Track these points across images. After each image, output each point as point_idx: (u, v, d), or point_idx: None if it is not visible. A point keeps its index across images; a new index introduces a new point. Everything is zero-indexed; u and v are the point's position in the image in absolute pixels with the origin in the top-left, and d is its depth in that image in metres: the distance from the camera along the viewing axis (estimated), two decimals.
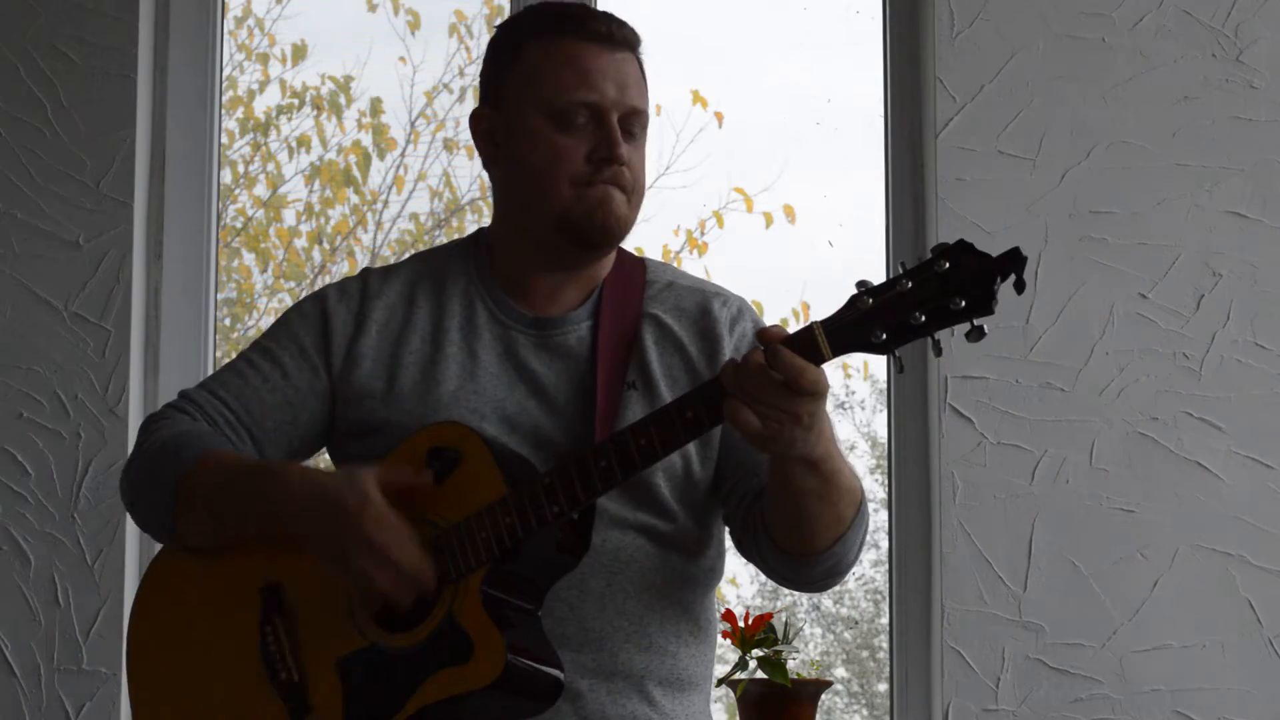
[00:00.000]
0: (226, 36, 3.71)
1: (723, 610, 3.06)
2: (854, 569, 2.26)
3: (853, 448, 3.93)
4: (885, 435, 3.49)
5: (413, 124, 3.94)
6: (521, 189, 2.26)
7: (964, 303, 1.89)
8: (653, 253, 3.87)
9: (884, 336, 1.91)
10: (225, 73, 3.71)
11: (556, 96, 2.21)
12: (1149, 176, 3.34)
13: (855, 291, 1.93)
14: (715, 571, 2.30)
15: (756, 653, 3.04)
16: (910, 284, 1.90)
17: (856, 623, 4.04)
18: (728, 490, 2.24)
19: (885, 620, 3.58)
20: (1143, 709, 3.21)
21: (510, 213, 2.30)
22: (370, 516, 2.05)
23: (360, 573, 2.05)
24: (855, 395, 3.95)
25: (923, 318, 1.90)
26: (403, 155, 3.98)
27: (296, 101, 4.04)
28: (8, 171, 3.45)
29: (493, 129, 2.28)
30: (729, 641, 3.05)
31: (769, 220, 3.76)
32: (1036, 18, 3.39)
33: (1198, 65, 3.37)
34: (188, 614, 2.23)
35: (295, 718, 2.12)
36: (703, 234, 3.88)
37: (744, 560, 2.27)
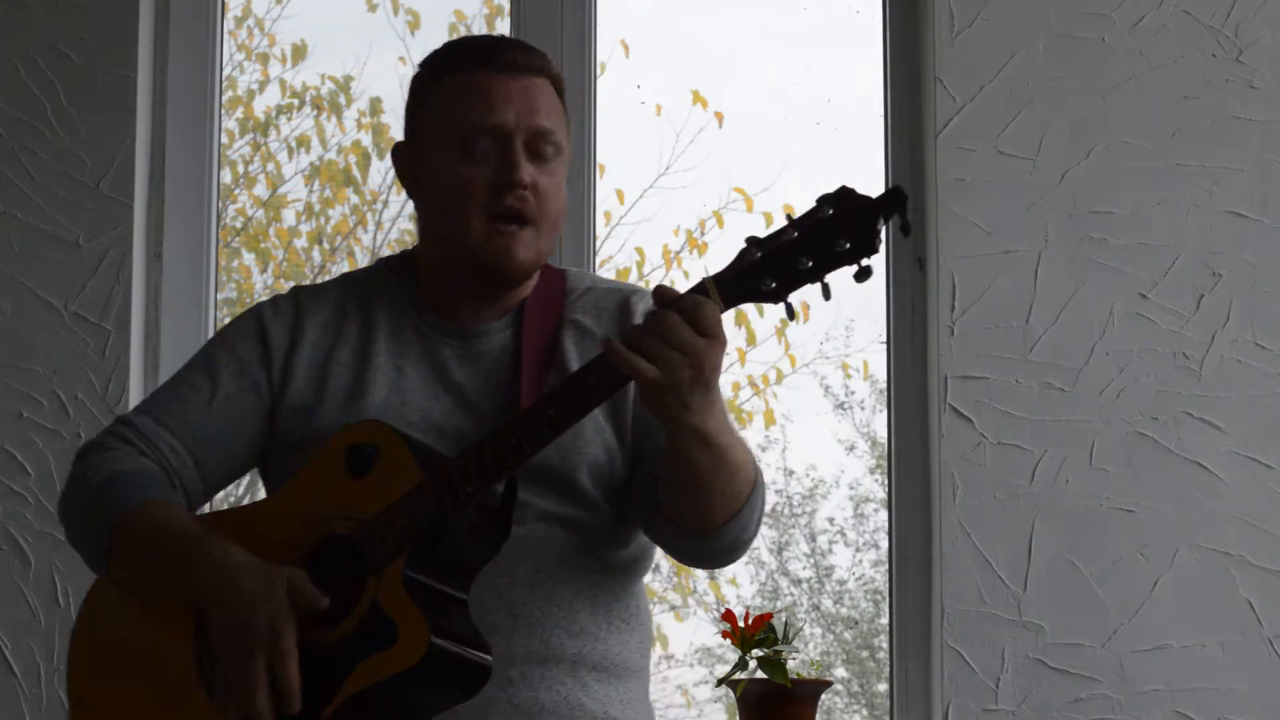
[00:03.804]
0: (226, 36, 3.71)
1: (723, 610, 3.06)
2: (753, 546, 2.30)
3: (853, 448, 3.93)
4: (885, 435, 3.50)
5: None
6: (437, 222, 2.32)
7: (848, 244, 1.95)
8: (653, 253, 3.88)
9: (774, 285, 1.98)
10: (225, 73, 3.71)
11: (459, 126, 2.26)
12: (1149, 176, 3.34)
13: (744, 245, 1.99)
14: (640, 562, 2.34)
15: (756, 653, 3.04)
16: (796, 233, 1.97)
17: (856, 623, 4.04)
18: (637, 474, 2.28)
19: (885, 620, 3.58)
20: (1143, 709, 3.21)
21: (431, 243, 2.35)
22: (270, 624, 2.08)
23: (239, 670, 2.07)
24: (855, 395, 3.95)
25: (810, 263, 1.96)
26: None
27: (296, 101, 4.05)
28: (8, 171, 3.45)
29: (411, 164, 2.34)
30: (729, 641, 3.05)
31: (769, 220, 3.76)
32: (1036, 18, 3.39)
33: (1198, 65, 3.37)
34: (125, 633, 2.26)
35: None
36: (703, 234, 3.89)
37: (661, 548, 2.31)
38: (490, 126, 2.25)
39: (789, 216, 1.98)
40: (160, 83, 3.55)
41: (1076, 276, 3.32)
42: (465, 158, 2.25)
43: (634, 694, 2.29)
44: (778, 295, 1.99)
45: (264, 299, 2.41)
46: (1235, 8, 3.38)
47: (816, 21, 3.73)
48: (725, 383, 3.86)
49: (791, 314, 2.00)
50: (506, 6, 3.64)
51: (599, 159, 3.55)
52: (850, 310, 3.73)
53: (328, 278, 3.91)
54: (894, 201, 1.95)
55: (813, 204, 1.97)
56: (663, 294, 2.01)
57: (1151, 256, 3.33)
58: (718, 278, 2.00)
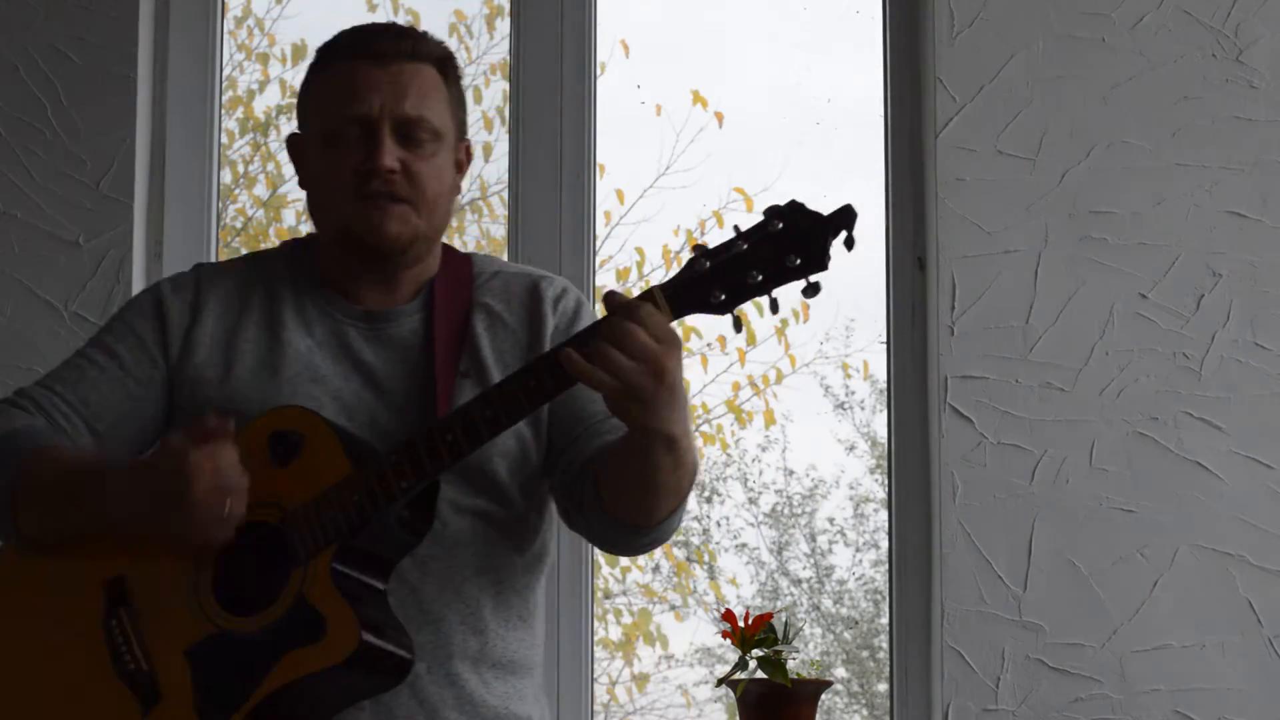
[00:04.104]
0: (226, 36, 3.71)
1: (723, 610, 3.06)
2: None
3: (853, 448, 3.93)
4: (885, 435, 3.50)
5: None
6: (316, 208, 2.35)
7: (799, 260, 1.96)
8: (653, 253, 3.87)
9: (723, 296, 1.99)
10: (225, 73, 3.71)
11: (330, 117, 2.30)
12: (1149, 176, 3.34)
13: (692, 255, 2.00)
14: (543, 557, 2.36)
15: (756, 653, 3.03)
16: (746, 245, 1.98)
17: (856, 623, 4.04)
18: (559, 462, 2.29)
19: (885, 620, 3.58)
20: (1143, 709, 3.21)
21: (318, 227, 2.37)
22: (190, 451, 2.08)
23: (190, 501, 2.07)
24: (855, 395, 3.95)
25: (760, 276, 1.98)
26: None
27: (296, 101, 4.04)
28: (8, 171, 3.45)
29: (298, 154, 2.39)
30: (729, 641, 3.05)
31: None
32: (1036, 18, 3.39)
33: (1198, 65, 3.37)
34: (31, 613, 2.25)
35: (145, 707, 2.14)
36: (703, 234, 3.88)
37: (579, 535, 2.32)
38: (356, 116, 2.27)
39: (736, 228, 1.99)
40: (160, 83, 3.55)
41: (1076, 276, 3.32)
42: (336, 147, 2.28)
43: (530, 689, 2.33)
44: (725, 307, 2.00)
45: (164, 278, 2.42)
46: (1235, 8, 3.38)
47: (816, 21, 3.73)
48: (725, 383, 3.87)
49: (739, 327, 2.02)
50: (506, 6, 3.64)
51: (599, 159, 3.56)
52: (850, 310, 3.73)
53: None
54: (844, 219, 1.97)
55: (761, 216, 1.98)
56: (613, 300, 2.02)
57: (1151, 256, 3.33)
58: (665, 287, 2.02)
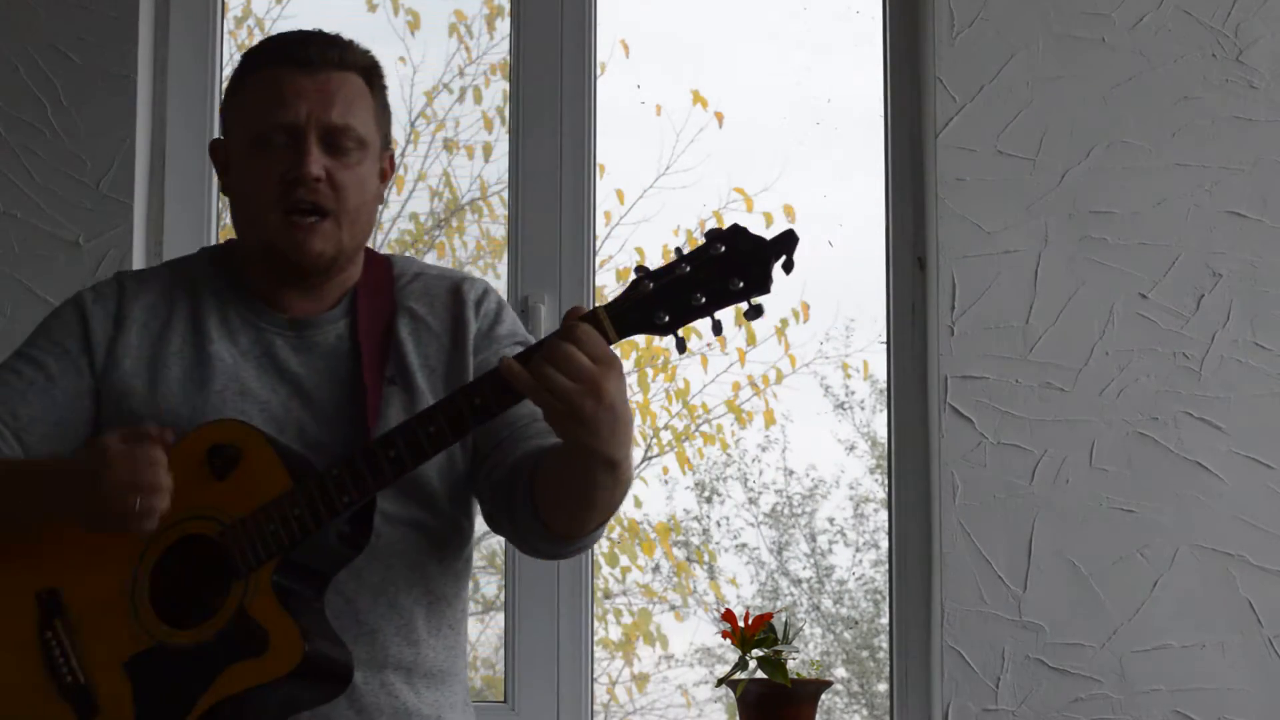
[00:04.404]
0: (226, 36, 3.71)
1: (723, 610, 3.06)
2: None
3: (853, 448, 3.93)
4: (885, 435, 3.49)
5: (412, 124, 3.94)
6: (240, 216, 2.34)
7: (742, 283, 1.99)
8: (653, 253, 3.87)
9: (667, 318, 2.01)
10: (225, 73, 3.71)
11: (255, 124, 2.29)
12: (1149, 176, 3.34)
13: (635, 276, 2.02)
14: (469, 564, 2.39)
15: (756, 653, 3.03)
16: (688, 268, 2.00)
17: (856, 623, 4.04)
18: (484, 465, 2.30)
19: (885, 620, 3.58)
20: (1143, 709, 3.21)
21: (241, 236, 2.37)
22: (111, 443, 2.10)
23: (104, 490, 2.08)
24: (855, 395, 3.95)
25: (703, 299, 2.00)
26: (402, 155, 3.98)
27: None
28: (8, 171, 3.45)
29: (223, 159, 2.37)
30: (729, 641, 3.05)
31: (769, 220, 3.76)
32: (1036, 18, 3.39)
33: (1198, 65, 3.37)
34: None
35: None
36: (703, 234, 3.88)
37: (501, 534, 2.33)
38: (282, 123, 2.27)
39: (679, 251, 2.02)
40: (160, 83, 3.55)
41: (1076, 276, 3.32)
42: (261, 154, 2.28)
43: (459, 697, 2.35)
44: (669, 328, 2.02)
45: (85, 287, 2.42)
46: (1235, 8, 3.38)
47: (816, 21, 3.73)
48: (725, 382, 3.87)
49: (682, 348, 2.04)
50: (507, 7, 3.64)
51: (599, 159, 3.55)
52: (850, 310, 3.73)
53: None
54: (786, 243, 1.99)
55: (703, 240, 2.01)
56: (568, 318, 2.04)
57: (1151, 256, 3.33)
58: (609, 307, 2.04)
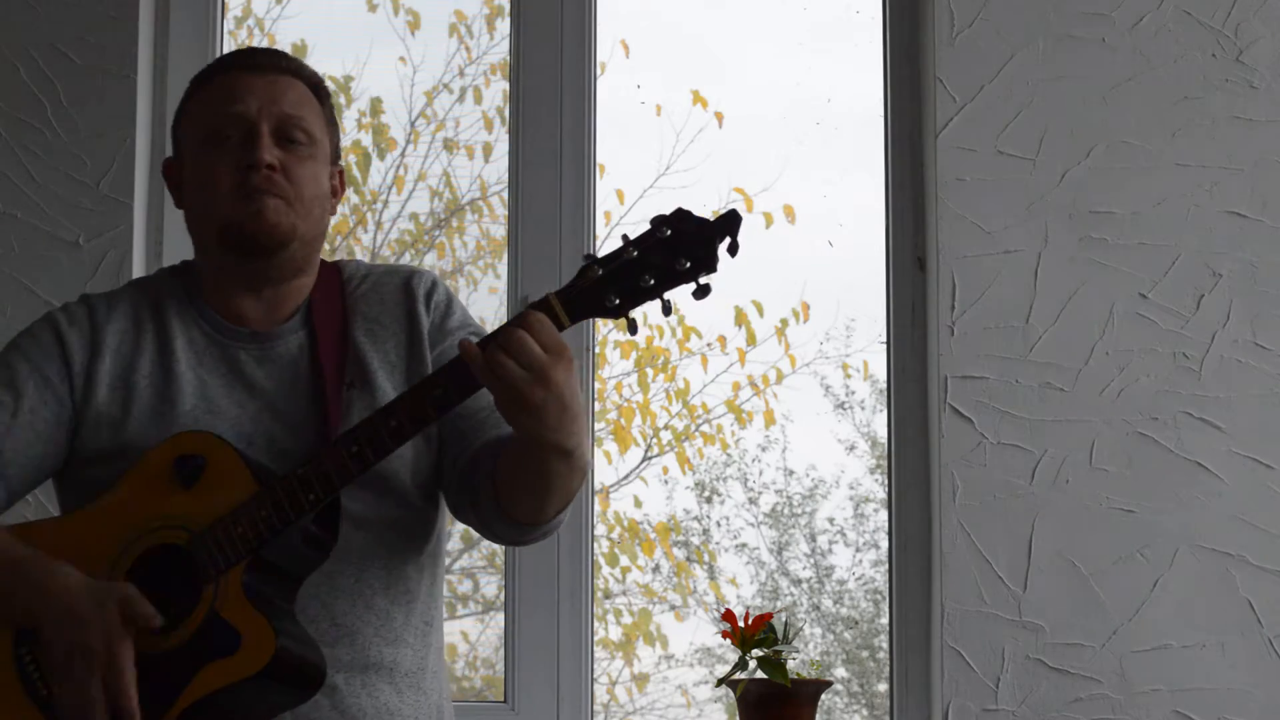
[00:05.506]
0: (226, 36, 3.71)
1: (723, 610, 3.06)
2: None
3: (853, 448, 3.93)
4: (885, 435, 3.49)
5: (412, 124, 3.94)
6: (196, 218, 2.36)
7: (689, 263, 2.02)
8: None
9: (617, 300, 2.05)
10: None
11: (207, 123, 2.33)
12: (1149, 176, 3.34)
13: (584, 263, 2.06)
14: (439, 557, 2.41)
15: (756, 653, 3.04)
16: (636, 252, 2.04)
17: (856, 623, 4.04)
18: (448, 455, 2.33)
19: (885, 620, 3.58)
20: (1143, 709, 3.21)
21: (199, 247, 2.39)
22: (105, 644, 2.08)
23: (76, 692, 2.07)
24: (855, 395, 3.95)
25: (652, 280, 2.04)
26: (402, 155, 3.98)
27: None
28: (8, 171, 3.45)
29: (177, 174, 2.40)
30: (729, 641, 3.05)
31: (769, 220, 3.76)
32: (1036, 18, 3.39)
33: (1198, 65, 3.37)
34: None
35: None
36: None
37: (481, 528, 2.35)
38: (234, 115, 2.31)
39: (625, 237, 2.06)
40: (160, 83, 3.55)
41: (1076, 276, 3.32)
42: (214, 150, 2.31)
43: (437, 697, 2.36)
44: (620, 310, 2.06)
45: (55, 307, 2.41)
46: (1235, 8, 3.38)
47: (816, 21, 3.73)
48: (725, 382, 3.87)
49: (634, 329, 2.08)
50: (506, 7, 3.64)
51: (599, 159, 3.55)
52: (850, 310, 3.73)
53: None
54: (729, 224, 2.03)
55: (648, 225, 2.04)
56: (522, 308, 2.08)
57: (1151, 256, 3.33)
58: (560, 293, 2.07)
